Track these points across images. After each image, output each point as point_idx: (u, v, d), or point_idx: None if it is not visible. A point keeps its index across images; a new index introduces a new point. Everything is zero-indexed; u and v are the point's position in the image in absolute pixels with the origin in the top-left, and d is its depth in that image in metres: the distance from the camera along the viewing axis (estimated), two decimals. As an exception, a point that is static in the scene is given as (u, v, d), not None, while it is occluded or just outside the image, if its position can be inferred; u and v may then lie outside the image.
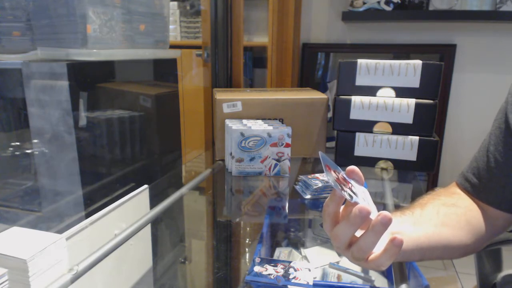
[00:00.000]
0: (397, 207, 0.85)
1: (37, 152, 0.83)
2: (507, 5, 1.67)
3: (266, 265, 0.59)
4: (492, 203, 0.60)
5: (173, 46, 1.11)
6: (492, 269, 0.80)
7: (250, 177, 1.02)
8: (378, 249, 0.46)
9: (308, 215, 0.89)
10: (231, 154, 1.02)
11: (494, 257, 0.81)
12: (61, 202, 0.83)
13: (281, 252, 0.72)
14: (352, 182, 0.47)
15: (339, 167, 0.46)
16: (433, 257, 0.56)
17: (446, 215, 0.57)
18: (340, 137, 1.06)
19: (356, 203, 0.43)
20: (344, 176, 0.47)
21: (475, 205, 0.61)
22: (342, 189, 0.43)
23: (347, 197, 0.43)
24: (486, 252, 0.81)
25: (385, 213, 0.42)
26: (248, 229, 0.83)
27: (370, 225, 0.44)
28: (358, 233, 0.46)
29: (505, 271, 0.79)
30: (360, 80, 1.02)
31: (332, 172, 0.44)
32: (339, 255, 0.70)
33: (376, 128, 1.03)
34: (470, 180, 0.63)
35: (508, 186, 0.58)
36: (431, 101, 0.98)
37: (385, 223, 0.42)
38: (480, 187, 0.61)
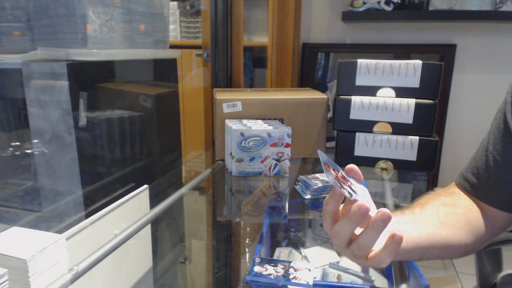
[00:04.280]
0: (397, 207, 0.85)
1: (37, 152, 0.83)
2: (507, 5, 1.67)
3: (266, 265, 0.59)
4: (492, 203, 0.60)
5: (173, 46, 1.11)
6: (492, 269, 0.80)
7: (250, 177, 1.02)
8: (377, 247, 0.46)
9: (308, 215, 0.89)
10: (231, 154, 1.02)
11: (494, 257, 0.81)
12: (61, 202, 0.83)
13: (281, 252, 0.72)
14: (352, 180, 0.47)
15: (338, 166, 0.46)
16: (433, 257, 0.56)
17: (446, 215, 0.57)
18: (340, 137, 1.06)
19: (355, 201, 0.43)
20: (344, 174, 0.47)
21: (475, 205, 0.61)
22: (342, 187, 0.43)
23: (347, 194, 0.43)
24: (486, 252, 0.81)
25: (384, 210, 0.42)
26: (248, 229, 0.83)
27: (370, 222, 0.44)
28: (358, 231, 0.46)
29: (505, 271, 0.79)
30: (360, 80, 1.02)
31: (332, 171, 0.44)
32: (339, 255, 0.70)
33: (376, 128, 1.03)
34: (469, 180, 0.63)
35: (508, 185, 0.58)
36: (431, 101, 0.98)
37: (385, 220, 0.42)
38: (479, 187, 0.61)
